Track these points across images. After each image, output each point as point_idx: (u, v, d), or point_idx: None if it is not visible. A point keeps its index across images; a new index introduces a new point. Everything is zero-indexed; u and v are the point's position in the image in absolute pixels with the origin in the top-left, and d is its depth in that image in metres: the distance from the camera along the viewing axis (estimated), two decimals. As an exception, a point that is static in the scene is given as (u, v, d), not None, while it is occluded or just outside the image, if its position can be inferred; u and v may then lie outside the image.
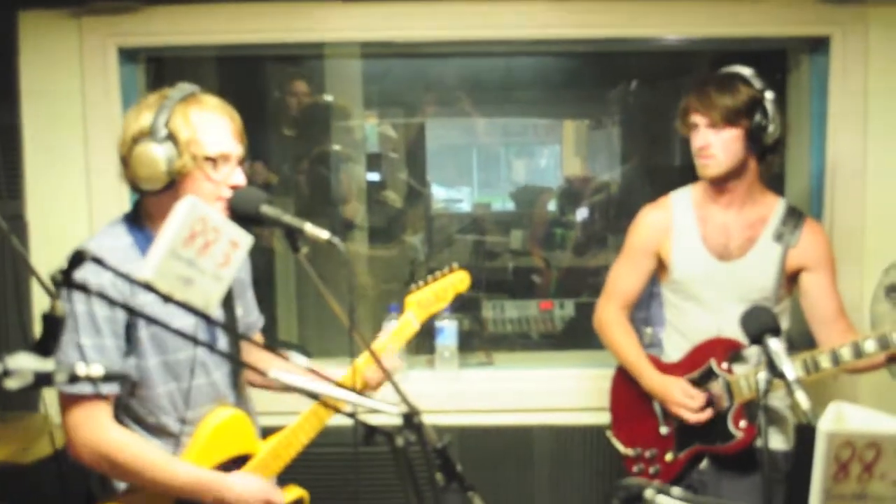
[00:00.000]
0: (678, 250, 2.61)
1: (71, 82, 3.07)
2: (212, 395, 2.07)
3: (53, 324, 1.30)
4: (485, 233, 5.17)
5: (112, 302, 1.31)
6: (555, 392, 3.26)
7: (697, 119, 2.48)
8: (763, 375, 1.95)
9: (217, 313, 2.08)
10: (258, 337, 2.38)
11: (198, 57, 3.56)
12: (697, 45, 3.33)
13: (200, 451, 2.02)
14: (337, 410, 1.75)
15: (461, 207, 6.92)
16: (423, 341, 3.50)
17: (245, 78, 4.16)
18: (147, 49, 3.21)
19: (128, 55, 3.15)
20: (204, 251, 1.43)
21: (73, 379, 1.26)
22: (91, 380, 1.27)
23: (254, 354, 2.32)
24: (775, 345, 1.88)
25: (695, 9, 3.08)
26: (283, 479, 2.21)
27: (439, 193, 6.47)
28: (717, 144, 2.46)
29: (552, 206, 5.52)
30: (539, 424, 3.23)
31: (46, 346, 1.30)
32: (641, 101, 4.52)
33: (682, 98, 2.56)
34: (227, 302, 2.12)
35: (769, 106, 2.45)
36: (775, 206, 2.59)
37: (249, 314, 2.30)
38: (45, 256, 2.91)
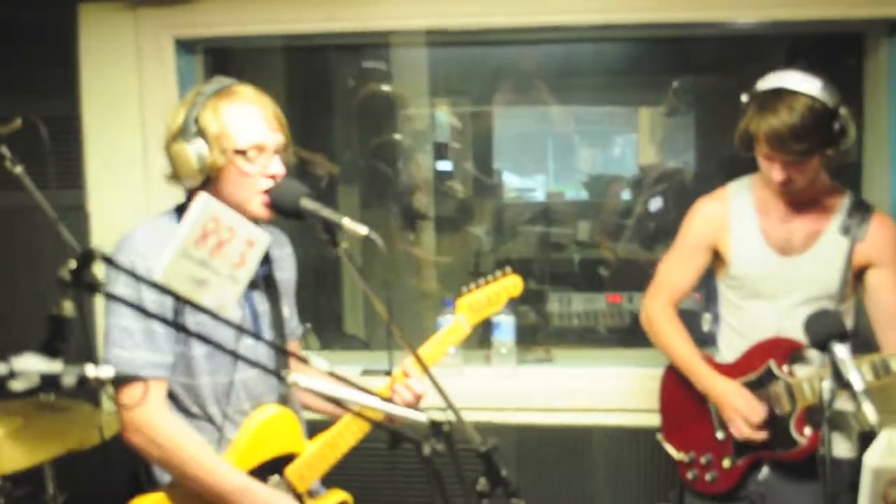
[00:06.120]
0: (737, 244, 2.46)
1: (129, 74, 3.11)
2: (258, 388, 2.05)
3: (61, 324, 1.28)
4: (556, 222, 5.04)
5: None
6: (616, 391, 3.15)
7: (772, 156, 2.27)
8: (828, 384, 1.82)
9: (262, 308, 2.06)
10: (295, 346, 2.32)
11: (260, 48, 3.54)
12: (771, 28, 3.17)
13: (246, 448, 1.99)
14: (364, 417, 1.70)
15: (535, 196, 6.80)
16: (482, 334, 3.41)
17: (309, 68, 4.14)
18: (204, 40, 3.22)
19: (185, 46, 3.17)
20: (217, 251, 1.39)
21: (83, 381, 1.23)
22: (100, 382, 1.24)
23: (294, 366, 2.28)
24: (842, 352, 1.78)
25: (768, -10, 2.94)
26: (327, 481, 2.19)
27: (512, 182, 6.37)
28: (796, 175, 2.28)
29: (626, 195, 5.36)
30: (598, 425, 3.13)
31: (54, 346, 1.28)
32: (715, 87, 4.34)
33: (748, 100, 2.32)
34: (273, 297, 2.10)
35: (845, 122, 2.22)
36: (841, 198, 2.43)
37: (291, 319, 2.25)
38: (107, 246, 2.96)
